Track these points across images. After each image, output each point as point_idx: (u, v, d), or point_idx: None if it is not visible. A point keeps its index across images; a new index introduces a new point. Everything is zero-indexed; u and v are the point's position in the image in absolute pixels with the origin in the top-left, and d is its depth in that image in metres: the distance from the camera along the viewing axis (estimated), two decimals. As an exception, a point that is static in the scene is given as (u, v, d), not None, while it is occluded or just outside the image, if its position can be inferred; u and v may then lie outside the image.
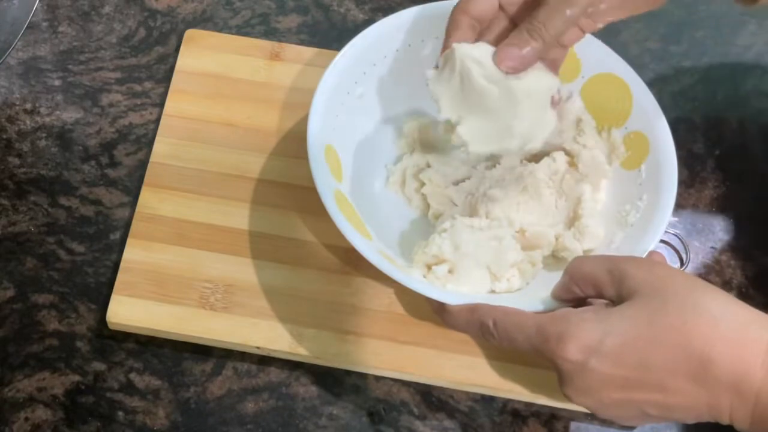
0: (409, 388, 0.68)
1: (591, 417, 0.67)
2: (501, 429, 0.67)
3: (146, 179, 0.73)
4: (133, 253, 0.70)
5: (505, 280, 0.66)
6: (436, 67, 0.64)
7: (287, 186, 0.73)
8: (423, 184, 0.72)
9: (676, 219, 0.75)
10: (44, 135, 0.76)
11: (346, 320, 0.68)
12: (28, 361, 0.67)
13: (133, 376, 0.67)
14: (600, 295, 0.58)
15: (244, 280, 0.69)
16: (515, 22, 0.63)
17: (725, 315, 0.52)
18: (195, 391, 0.67)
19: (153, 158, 0.74)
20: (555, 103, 0.64)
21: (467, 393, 0.68)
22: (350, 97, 0.71)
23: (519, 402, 0.67)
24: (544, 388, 0.66)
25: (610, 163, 0.71)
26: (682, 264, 0.73)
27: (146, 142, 0.76)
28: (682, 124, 0.78)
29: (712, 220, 0.76)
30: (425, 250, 0.65)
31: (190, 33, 0.80)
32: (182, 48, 0.80)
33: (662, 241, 0.73)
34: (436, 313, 0.63)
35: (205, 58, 0.79)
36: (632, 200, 0.68)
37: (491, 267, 0.66)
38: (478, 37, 0.64)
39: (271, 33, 0.82)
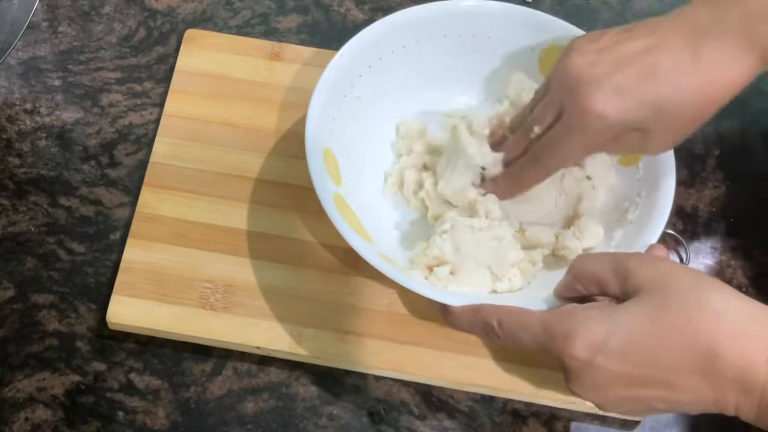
0: (409, 388, 0.68)
1: (591, 417, 0.67)
2: (501, 429, 0.67)
3: (146, 179, 0.73)
4: (133, 253, 0.70)
5: (507, 279, 0.66)
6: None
7: (287, 186, 0.73)
8: (421, 186, 0.71)
9: (676, 219, 0.75)
10: (44, 135, 0.76)
11: (346, 320, 0.68)
12: (28, 361, 0.67)
13: (133, 376, 0.67)
14: (604, 293, 0.58)
15: (244, 280, 0.69)
16: None
17: (730, 310, 0.52)
18: (195, 391, 0.67)
19: (153, 158, 0.74)
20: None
21: (467, 393, 0.68)
22: (347, 100, 0.71)
23: (519, 402, 0.67)
24: (544, 387, 0.66)
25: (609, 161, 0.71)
26: (681, 264, 0.73)
27: (146, 142, 0.76)
28: (682, 124, 0.78)
29: (712, 220, 0.76)
30: (426, 251, 0.65)
31: (190, 33, 0.80)
32: (182, 48, 0.80)
33: (662, 241, 0.73)
34: (440, 313, 0.63)
35: (205, 58, 0.79)
36: (631, 197, 0.68)
37: (492, 267, 0.66)
38: None
39: (271, 33, 0.82)
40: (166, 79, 0.79)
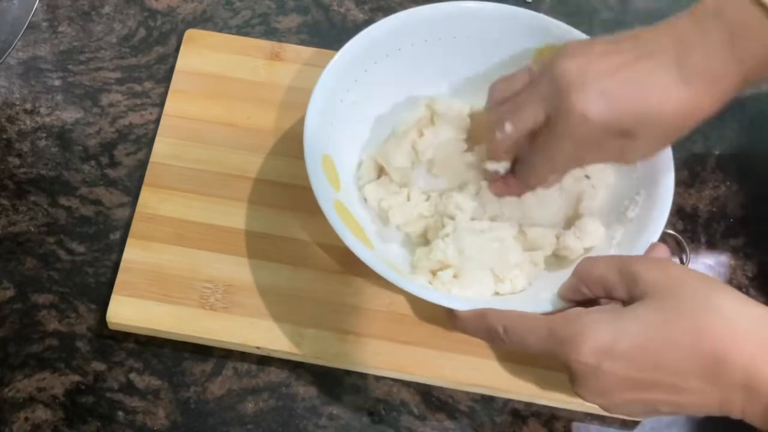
0: (409, 388, 0.68)
1: (591, 417, 0.67)
2: (501, 429, 0.67)
3: (146, 179, 0.73)
4: (133, 253, 0.70)
5: (509, 281, 0.66)
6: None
7: (288, 186, 0.73)
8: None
9: (676, 219, 0.75)
10: (44, 135, 0.76)
11: (346, 320, 0.68)
12: (28, 361, 0.67)
13: (133, 376, 0.67)
14: (609, 296, 0.58)
15: (244, 280, 0.69)
16: None
17: (738, 314, 0.52)
18: (195, 391, 0.67)
19: (153, 158, 0.74)
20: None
21: (467, 393, 0.68)
22: (343, 105, 0.71)
23: (519, 402, 0.67)
24: (544, 388, 0.66)
25: None
26: (682, 264, 0.73)
27: (146, 142, 0.76)
28: (682, 124, 0.78)
29: (712, 220, 0.76)
30: (429, 256, 0.65)
31: (190, 33, 0.80)
32: (182, 48, 0.80)
33: (662, 242, 0.73)
34: (446, 317, 0.63)
35: (205, 58, 0.79)
36: (630, 195, 0.68)
37: (495, 269, 0.66)
38: None
39: (271, 33, 0.82)
40: (166, 79, 0.79)
